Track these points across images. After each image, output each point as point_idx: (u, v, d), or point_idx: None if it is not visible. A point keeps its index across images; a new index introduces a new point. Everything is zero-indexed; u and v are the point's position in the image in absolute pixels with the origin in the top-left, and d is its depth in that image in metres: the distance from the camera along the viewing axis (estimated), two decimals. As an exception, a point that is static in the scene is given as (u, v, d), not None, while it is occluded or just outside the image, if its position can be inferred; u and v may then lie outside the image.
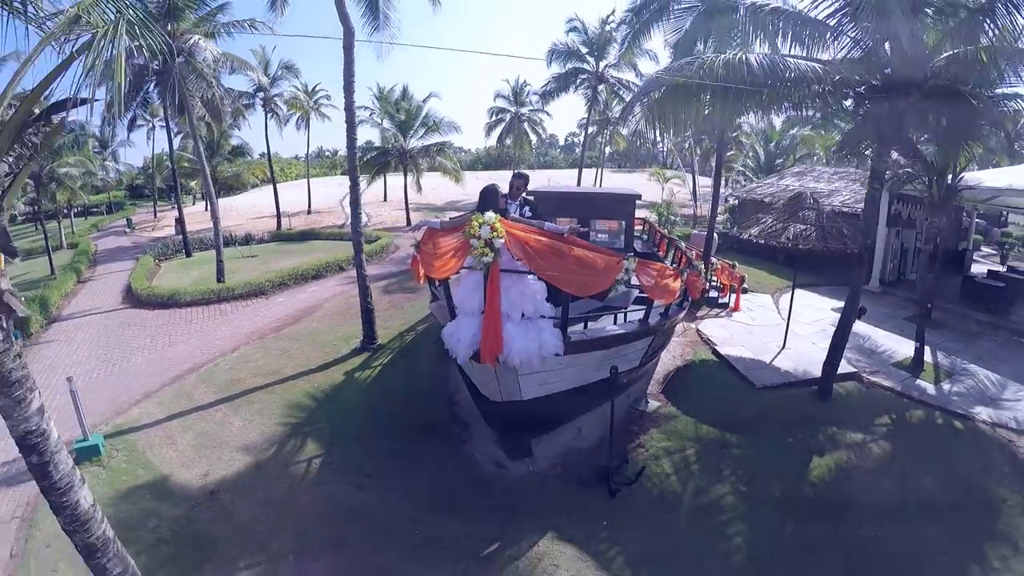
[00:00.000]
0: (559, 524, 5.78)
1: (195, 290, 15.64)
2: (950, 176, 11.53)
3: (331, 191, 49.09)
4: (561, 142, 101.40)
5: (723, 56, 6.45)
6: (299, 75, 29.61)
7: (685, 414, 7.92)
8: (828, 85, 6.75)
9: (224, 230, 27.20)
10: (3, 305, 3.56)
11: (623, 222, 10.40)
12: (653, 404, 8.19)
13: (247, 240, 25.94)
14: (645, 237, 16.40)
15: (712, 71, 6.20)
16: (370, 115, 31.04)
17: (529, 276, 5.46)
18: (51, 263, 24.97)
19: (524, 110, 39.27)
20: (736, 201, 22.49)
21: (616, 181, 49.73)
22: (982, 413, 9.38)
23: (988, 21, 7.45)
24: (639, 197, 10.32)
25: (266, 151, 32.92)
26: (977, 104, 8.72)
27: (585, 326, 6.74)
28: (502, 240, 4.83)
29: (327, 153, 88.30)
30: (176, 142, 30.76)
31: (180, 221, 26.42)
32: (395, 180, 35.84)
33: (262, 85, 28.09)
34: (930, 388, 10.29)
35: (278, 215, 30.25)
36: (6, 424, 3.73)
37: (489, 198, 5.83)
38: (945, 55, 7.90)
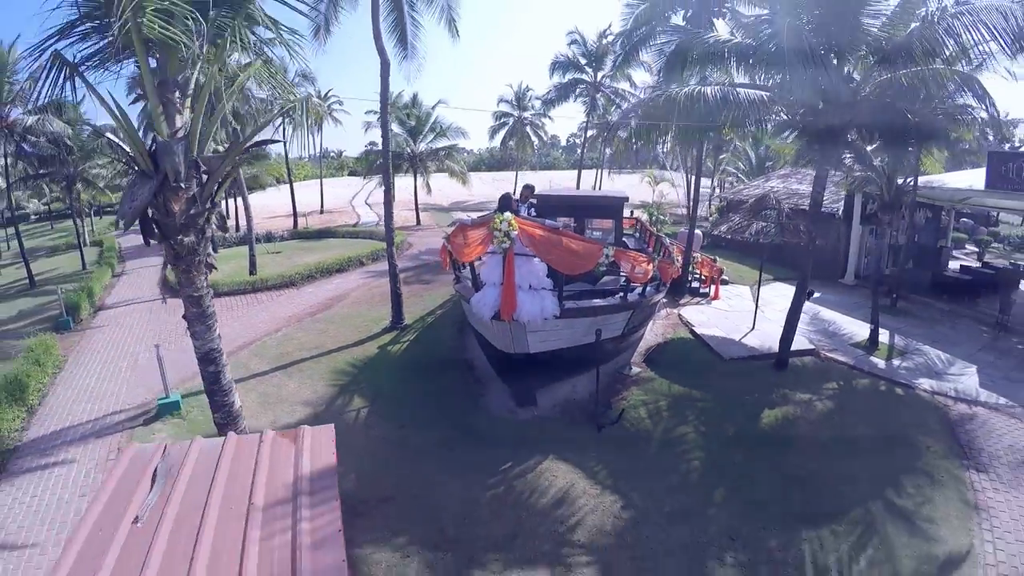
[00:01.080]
0: (557, 450, 7.63)
1: (231, 281, 17.57)
2: (901, 179, 13.37)
3: (340, 191, 51.07)
4: (563, 142, 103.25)
5: (684, 89, 8.25)
6: (315, 83, 31.52)
7: (661, 377, 9.81)
8: (774, 111, 8.55)
9: (245, 229, 29.30)
10: (208, 264, 5.42)
11: (613, 220, 12.28)
12: (635, 370, 10.06)
13: (269, 238, 27.79)
14: (637, 235, 18.23)
15: (677, 102, 8.00)
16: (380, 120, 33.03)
17: (535, 259, 7.35)
18: (82, 258, 26.97)
19: (527, 114, 41.15)
20: (725, 202, 24.31)
21: (617, 183, 51.64)
22: (924, 384, 11.16)
23: (908, 58, 9.25)
24: (626, 199, 12.16)
25: (283, 153, 34.80)
26: (912, 119, 10.54)
27: (577, 301, 8.60)
28: (516, 232, 6.73)
29: (332, 154, 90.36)
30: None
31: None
32: (402, 181, 37.82)
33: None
34: (881, 363, 12.10)
35: (295, 214, 32.14)
36: (194, 344, 5.57)
37: (506, 202, 7.87)
38: (876, 83, 9.71)
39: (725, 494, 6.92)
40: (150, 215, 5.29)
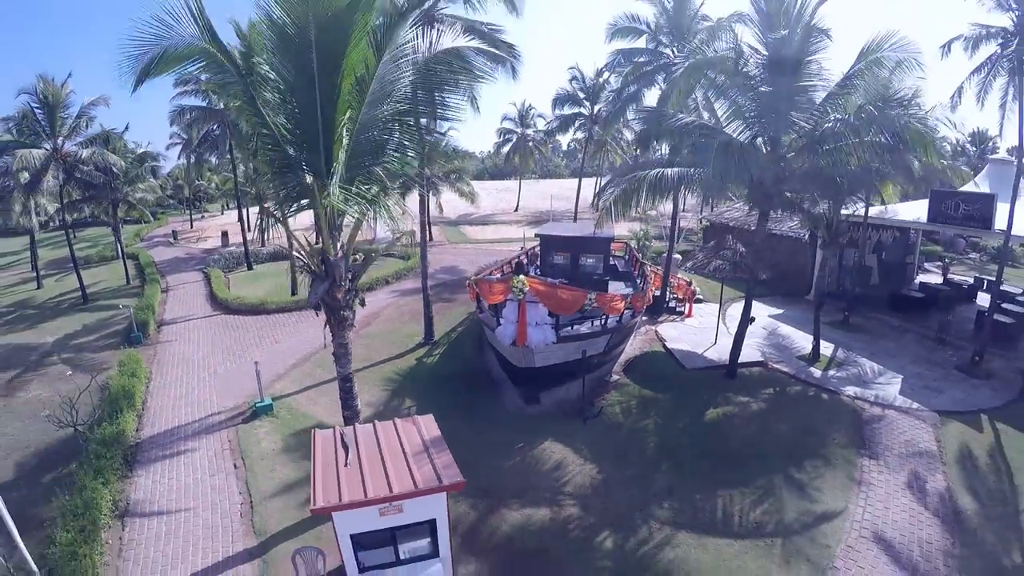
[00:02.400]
0: (554, 435, 10.93)
1: (278, 300, 20.87)
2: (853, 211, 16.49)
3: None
4: (564, 146, 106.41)
5: (652, 172, 11.48)
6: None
7: (634, 383, 13.12)
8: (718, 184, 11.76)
9: (270, 246, 32.35)
10: (350, 324, 8.63)
11: (601, 255, 15.60)
12: (615, 377, 13.34)
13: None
14: (626, 257, 21.54)
15: (646, 181, 11.24)
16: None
17: (539, 304, 10.64)
18: (126, 272, 30.19)
19: (529, 131, 44.48)
20: (708, 223, 27.57)
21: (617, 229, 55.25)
22: (849, 390, 14.30)
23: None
24: (613, 239, 15.47)
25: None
26: (840, 180, 13.71)
27: (571, 327, 11.85)
28: (527, 288, 9.99)
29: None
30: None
31: (242, 234, 31.31)
32: (411, 198, 40.98)
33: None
34: (817, 373, 15.27)
35: (317, 230, 35.17)
36: (337, 371, 8.76)
37: (519, 268, 11.12)
38: (803, 160, 12.92)
39: (668, 466, 10.21)
40: (323, 299, 8.55)
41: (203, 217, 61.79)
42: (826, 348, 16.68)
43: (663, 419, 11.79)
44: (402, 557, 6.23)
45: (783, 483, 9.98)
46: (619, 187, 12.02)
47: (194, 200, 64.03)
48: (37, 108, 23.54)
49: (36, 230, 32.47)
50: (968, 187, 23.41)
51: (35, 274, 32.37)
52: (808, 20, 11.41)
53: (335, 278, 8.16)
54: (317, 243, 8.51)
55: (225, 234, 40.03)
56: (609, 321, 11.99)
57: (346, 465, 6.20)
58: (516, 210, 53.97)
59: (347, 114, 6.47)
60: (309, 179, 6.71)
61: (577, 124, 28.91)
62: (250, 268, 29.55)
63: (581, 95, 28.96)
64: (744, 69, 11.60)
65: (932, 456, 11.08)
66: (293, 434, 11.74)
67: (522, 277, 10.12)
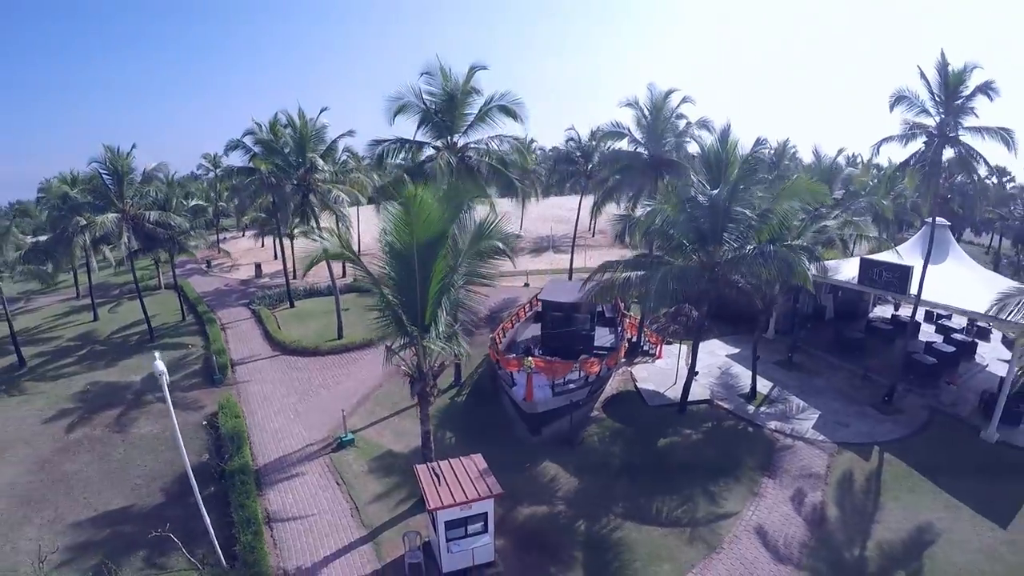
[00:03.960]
0: (551, 457, 16.87)
1: (329, 344, 26.70)
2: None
3: (365, 227, 60.13)
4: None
5: (623, 274, 17.24)
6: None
7: (609, 418, 19.04)
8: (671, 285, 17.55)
9: (308, 282, 37.84)
10: (432, 400, 14.48)
11: (588, 315, 21.48)
12: (595, 413, 19.25)
13: (331, 290, 36.25)
14: (612, 303, 27.41)
15: (619, 281, 17.04)
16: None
17: (540, 374, 16.51)
18: (183, 310, 35.89)
19: (532, 165, 50.41)
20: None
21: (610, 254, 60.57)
22: (772, 424, 19.99)
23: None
24: (598, 306, 21.32)
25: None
26: (768, 270, 19.43)
27: (563, 382, 17.75)
28: (533, 365, 15.91)
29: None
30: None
31: (284, 273, 36.90)
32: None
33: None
34: (751, 409, 21.00)
35: (417, 355, 40.29)
36: (421, 428, 14.57)
37: (525, 351, 17.12)
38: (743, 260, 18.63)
39: (625, 479, 16.14)
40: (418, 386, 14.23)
41: (225, 239, 67.72)
42: (768, 385, 22.45)
43: (626, 446, 17.74)
44: (468, 533, 12.08)
45: (700, 493, 15.82)
46: (599, 283, 17.92)
47: (215, 221, 70.03)
48: (106, 175, 29.36)
49: (96, 271, 38.46)
50: (906, 244, 28.87)
51: (92, 308, 38.12)
52: (734, 184, 17.12)
53: (425, 381, 13.86)
54: (413, 356, 13.89)
55: (258, 266, 45.94)
56: (589, 378, 17.92)
57: (440, 484, 12.05)
58: (519, 236, 59.74)
59: (433, 292, 12.24)
60: (413, 330, 12.42)
61: (573, 180, 34.95)
62: (292, 305, 35.26)
63: (577, 154, 34.98)
64: (689, 209, 17.39)
65: (819, 478, 16.66)
66: (373, 459, 17.64)
67: (529, 359, 16.16)
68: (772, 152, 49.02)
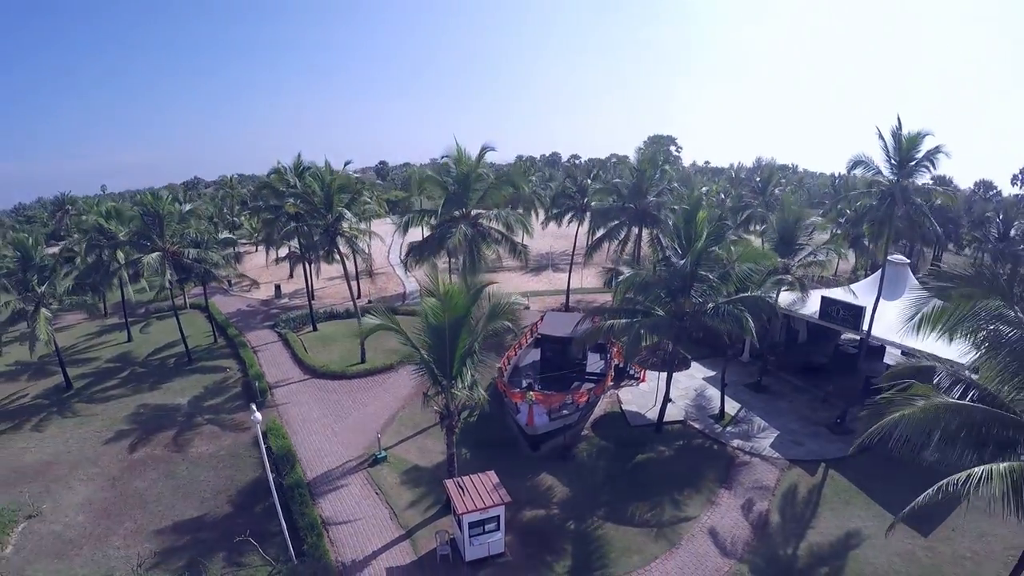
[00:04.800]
0: (547, 470, 21.40)
1: (354, 368, 31.12)
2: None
3: (375, 242, 64.84)
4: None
5: (608, 322, 21.73)
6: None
7: (596, 435, 23.59)
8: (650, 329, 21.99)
9: (327, 303, 42.30)
10: (459, 421, 19.00)
11: (581, 352, 25.99)
12: (585, 432, 23.77)
13: (349, 313, 40.73)
14: (602, 340, 31.89)
15: (604, 327, 21.51)
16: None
17: (539, 404, 21.06)
18: (214, 332, 40.32)
19: (533, 188, 55.04)
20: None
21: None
22: (735, 442, 24.38)
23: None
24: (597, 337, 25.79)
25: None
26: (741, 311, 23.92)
27: (559, 409, 22.29)
28: (534, 398, 20.50)
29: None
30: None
31: (308, 298, 41.39)
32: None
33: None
34: (718, 429, 25.40)
35: (356, 281, 44.97)
36: (448, 452, 19.11)
37: (528, 387, 21.71)
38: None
39: (608, 488, 20.62)
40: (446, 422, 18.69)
41: (239, 256, 72.04)
42: (736, 407, 26.85)
43: (609, 460, 22.23)
44: (485, 531, 16.57)
45: (667, 500, 20.28)
46: (587, 325, 22.41)
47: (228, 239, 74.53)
48: (149, 219, 33.68)
49: (132, 299, 42.90)
50: (866, 281, 33.12)
51: (126, 329, 42.47)
52: (699, 253, 21.48)
53: (452, 418, 18.33)
54: (440, 394, 18.30)
55: (278, 287, 50.48)
56: (579, 404, 22.49)
57: (464, 495, 16.55)
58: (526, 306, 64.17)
59: (459, 355, 16.73)
60: (444, 382, 16.91)
61: (571, 215, 39.69)
62: (315, 328, 39.74)
63: (574, 190, 39.70)
64: (662, 271, 21.85)
65: (768, 490, 20.99)
66: (403, 473, 22.11)
67: (531, 393, 20.71)
68: (759, 179, 53.56)
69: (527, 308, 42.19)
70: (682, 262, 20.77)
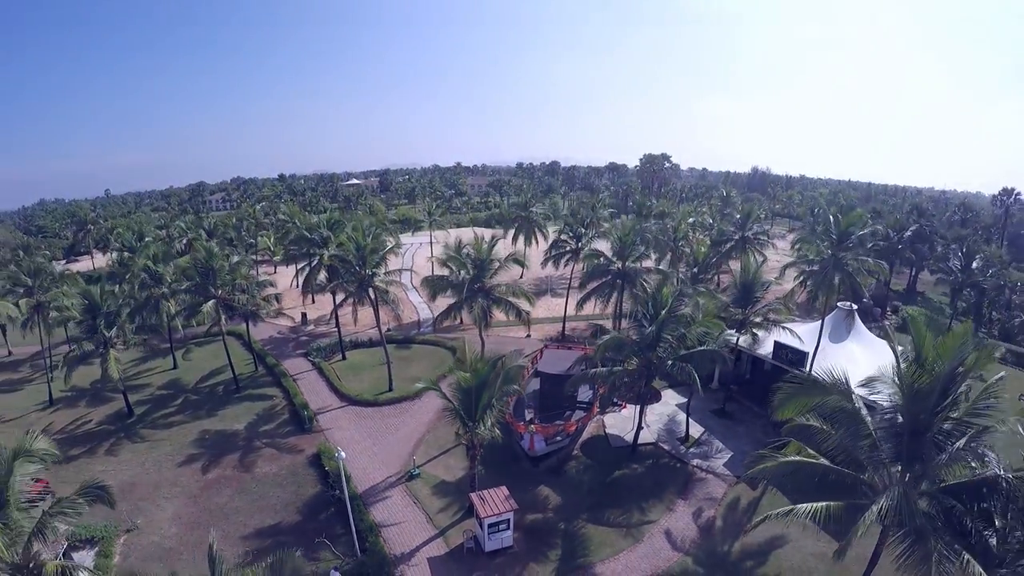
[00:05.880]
0: (544, 482, 28.77)
1: (385, 396, 38.36)
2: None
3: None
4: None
5: (590, 370, 29.09)
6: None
7: (583, 455, 31.02)
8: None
9: (352, 331, 49.49)
10: (481, 449, 26.47)
11: (572, 389, 33.46)
12: (575, 452, 31.20)
13: (372, 343, 48.06)
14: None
15: (590, 374, 28.93)
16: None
17: (537, 434, 28.51)
18: (256, 362, 47.42)
19: (532, 213, 62.68)
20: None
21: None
22: (695, 462, 31.78)
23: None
24: (585, 380, 33.21)
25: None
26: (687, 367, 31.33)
27: (554, 436, 29.79)
28: (535, 430, 27.96)
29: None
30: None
31: (337, 328, 48.56)
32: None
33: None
34: (683, 450, 32.81)
35: (378, 315, 52.31)
36: (475, 470, 26.58)
37: (529, 419, 29.22)
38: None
39: (591, 497, 27.98)
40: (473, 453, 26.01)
41: (258, 275, 79.54)
42: (700, 431, 34.22)
43: (592, 475, 29.59)
44: (499, 530, 23.83)
45: (635, 507, 27.57)
46: (579, 369, 29.85)
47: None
48: (203, 271, 40.71)
49: (179, 331, 49.98)
50: (814, 325, 40.22)
51: (172, 357, 49.39)
52: (662, 323, 28.84)
53: (475, 448, 25.66)
54: (466, 432, 25.57)
55: (304, 315, 57.73)
56: (570, 433, 29.97)
57: (484, 503, 23.94)
58: (522, 276, 71.61)
59: (481, 405, 24.07)
60: (471, 424, 24.28)
61: (567, 257, 47.28)
62: (344, 357, 47.02)
63: (571, 234, 47.38)
64: (634, 333, 29.27)
65: (716, 500, 28.26)
66: (433, 486, 29.46)
67: (532, 426, 28.03)
68: (739, 217, 61.02)
69: (528, 336, 49.59)
70: (649, 329, 28.09)
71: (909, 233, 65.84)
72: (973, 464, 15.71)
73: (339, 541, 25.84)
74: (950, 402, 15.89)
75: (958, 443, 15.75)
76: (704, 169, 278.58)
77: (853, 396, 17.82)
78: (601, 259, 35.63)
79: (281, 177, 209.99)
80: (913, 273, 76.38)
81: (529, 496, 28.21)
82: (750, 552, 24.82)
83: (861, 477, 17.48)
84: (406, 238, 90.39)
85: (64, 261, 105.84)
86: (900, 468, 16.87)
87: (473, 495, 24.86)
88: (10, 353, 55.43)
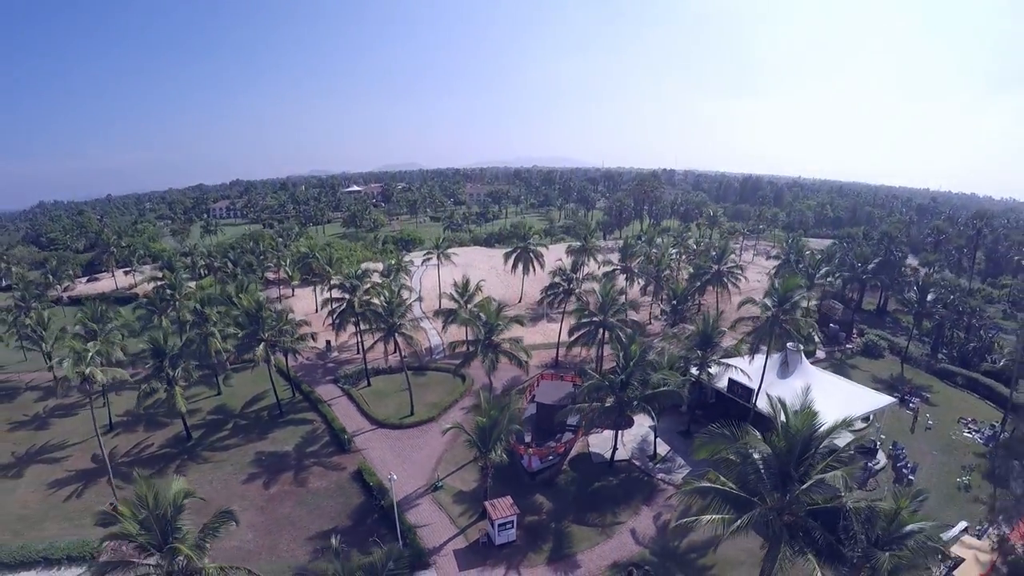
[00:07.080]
0: (540, 492, 38.50)
1: (409, 420, 47.98)
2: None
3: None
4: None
5: (576, 404, 38.89)
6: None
7: (571, 470, 40.94)
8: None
9: (373, 358, 59.01)
10: (492, 471, 36.38)
11: (565, 419, 43.43)
12: (564, 467, 41.07)
13: (391, 370, 57.59)
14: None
15: (577, 408, 38.73)
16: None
17: (536, 456, 38.46)
18: (293, 390, 56.82)
19: (530, 243, 72.56)
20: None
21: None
22: (660, 475, 41.65)
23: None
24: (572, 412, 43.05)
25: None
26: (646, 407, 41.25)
27: (547, 455, 39.71)
28: (533, 453, 37.96)
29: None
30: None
31: (363, 357, 58.29)
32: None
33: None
34: (651, 465, 42.75)
35: (396, 344, 62.09)
36: (488, 484, 36.46)
37: (527, 443, 39.23)
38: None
39: (575, 504, 37.79)
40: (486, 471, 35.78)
41: (272, 285, 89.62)
42: (667, 449, 44.11)
43: (578, 486, 39.31)
44: (506, 528, 33.49)
45: (609, 511, 37.27)
46: (571, 405, 39.78)
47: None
48: (252, 320, 50.21)
49: (228, 366, 59.21)
50: (762, 363, 49.94)
51: (216, 384, 58.26)
52: (631, 371, 38.69)
53: (489, 468, 35.37)
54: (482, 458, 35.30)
55: (328, 343, 67.09)
56: (560, 453, 39.84)
57: (495, 508, 33.72)
58: (520, 300, 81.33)
59: (493, 439, 33.82)
60: (486, 452, 34.00)
61: (561, 296, 57.39)
62: (369, 383, 56.56)
63: (563, 278, 57.40)
64: (608, 379, 39.14)
65: (672, 507, 37.67)
66: (453, 495, 39.14)
67: (531, 449, 37.85)
68: (714, 252, 70.88)
69: (527, 360, 59.49)
70: (620, 377, 37.93)
71: (873, 265, 75.51)
72: (841, 494, 23.96)
73: (385, 540, 35.33)
74: (812, 453, 25.25)
75: (809, 482, 24.98)
76: (699, 173, 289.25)
77: (747, 446, 27.42)
78: (586, 312, 45.58)
79: (283, 186, 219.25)
80: (883, 296, 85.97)
81: (528, 503, 37.85)
82: (695, 547, 34.44)
83: (753, 499, 26.83)
84: (412, 255, 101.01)
85: (84, 280, 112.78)
86: (776, 495, 26.30)
87: (486, 502, 34.65)
88: (55, 378, 63.42)
